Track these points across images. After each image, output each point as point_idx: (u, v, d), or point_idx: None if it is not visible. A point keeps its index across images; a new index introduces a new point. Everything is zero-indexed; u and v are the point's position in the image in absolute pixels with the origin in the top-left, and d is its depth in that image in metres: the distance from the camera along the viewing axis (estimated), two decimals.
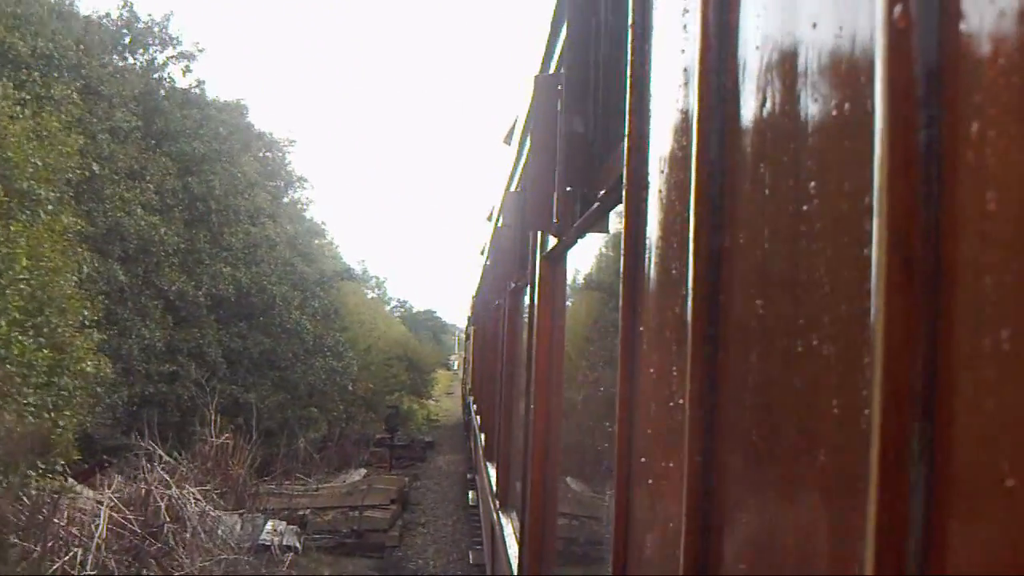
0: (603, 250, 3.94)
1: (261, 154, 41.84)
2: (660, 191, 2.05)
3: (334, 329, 35.34)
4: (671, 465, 1.82)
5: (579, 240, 4.12)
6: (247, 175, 33.64)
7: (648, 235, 2.14)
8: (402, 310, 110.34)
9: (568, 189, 3.46)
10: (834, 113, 1.14)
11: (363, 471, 30.02)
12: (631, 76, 2.34)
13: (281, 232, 35.70)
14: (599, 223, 3.48)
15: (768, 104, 1.40)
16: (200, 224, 29.32)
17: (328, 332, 34.08)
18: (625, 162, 2.33)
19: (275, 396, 30.21)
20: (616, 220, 3.32)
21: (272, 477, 23.97)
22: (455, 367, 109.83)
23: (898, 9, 0.93)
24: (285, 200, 45.49)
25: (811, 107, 1.22)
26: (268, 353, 30.68)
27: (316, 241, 49.87)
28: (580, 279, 4.70)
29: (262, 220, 34.12)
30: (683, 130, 1.86)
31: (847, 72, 1.11)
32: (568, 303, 4.95)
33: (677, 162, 1.90)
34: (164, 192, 27.13)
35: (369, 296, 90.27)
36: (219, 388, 27.07)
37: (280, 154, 45.83)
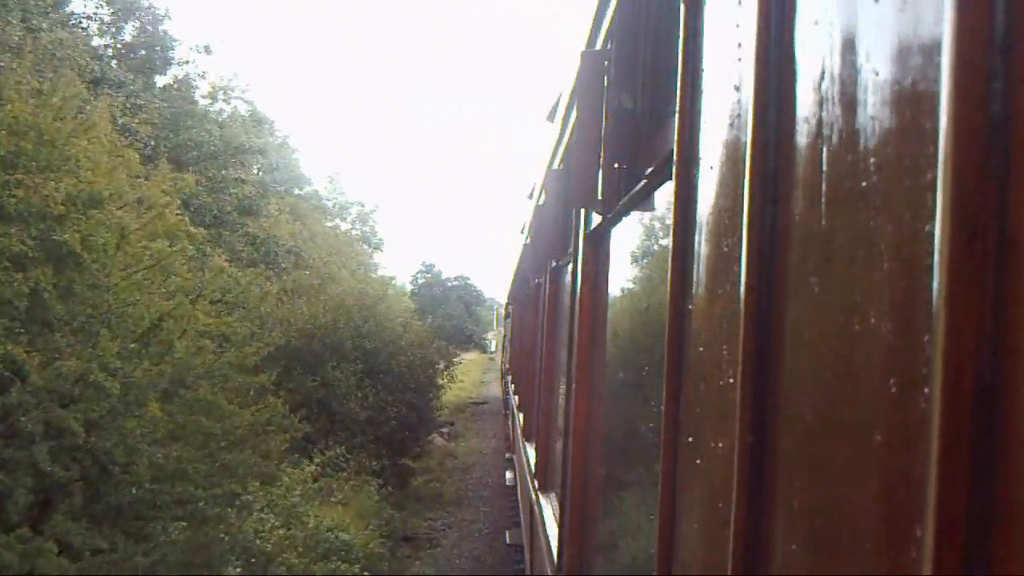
0: (649, 228, 3.92)
1: None
2: (712, 167, 2.03)
3: None
4: (721, 445, 1.80)
5: (624, 218, 4.10)
6: None
7: (699, 211, 2.13)
8: (428, 276, 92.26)
9: (615, 166, 3.45)
10: (896, 87, 1.12)
11: None
12: (683, 50, 2.32)
13: None
14: (645, 201, 3.46)
15: (827, 78, 1.38)
16: None
17: None
18: (676, 138, 2.31)
19: None
20: (661, 199, 3.30)
21: None
22: (492, 348, 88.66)
23: None
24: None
25: (872, 81, 1.20)
26: None
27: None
28: (624, 258, 4.68)
29: None
30: (737, 105, 1.84)
31: (912, 45, 1.09)
32: (611, 282, 4.93)
33: (731, 138, 1.88)
34: None
35: (338, 228, 69.73)
36: None
37: None
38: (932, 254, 0.96)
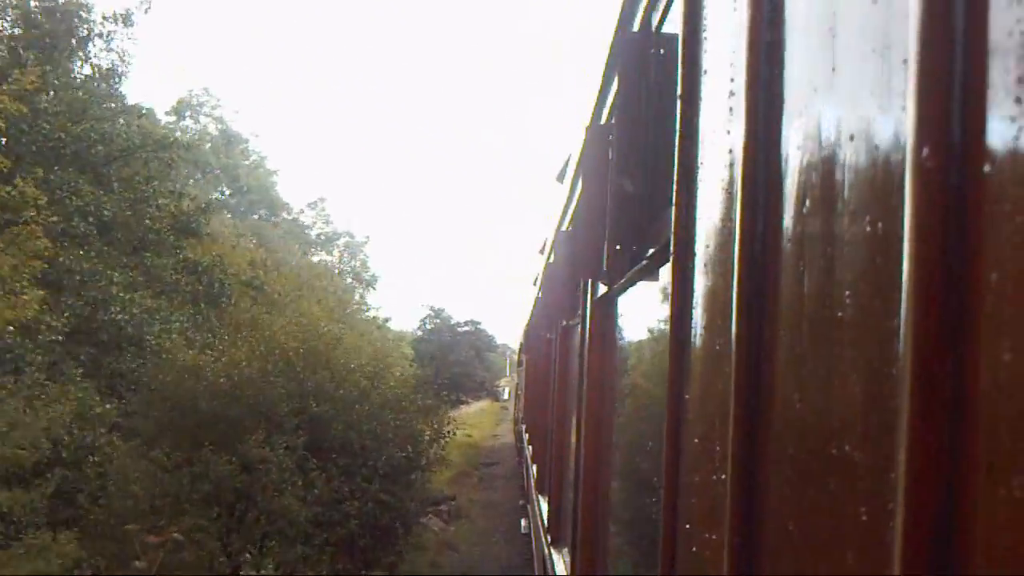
0: (654, 301, 3.98)
1: None
2: (706, 265, 2.10)
3: None
4: (714, 537, 1.85)
5: (629, 289, 4.16)
6: None
7: (695, 306, 2.19)
8: (436, 321, 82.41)
9: (616, 247, 3.52)
10: (868, 229, 1.19)
11: None
12: (679, 148, 2.39)
13: None
14: (649, 276, 3.52)
15: (808, 203, 1.44)
16: None
17: None
18: (672, 231, 2.38)
19: None
20: (664, 275, 3.37)
21: None
22: (505, 395, 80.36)
23: (926, 150, 0.98)
24: None
25: (846, 218, 1.27)
26: None
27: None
28: (630, 326, 4.73)
29: None
30: (728, 210, 1.91)
31: (880, 191, 1.16)
32: (618, 349, 4.98)
33: (723, 241, 1.95)
34: None
35: (325, 262, 62.00)
36: None
37: None
38: (896, 396, 1.03)
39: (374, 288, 74.22)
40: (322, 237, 72.33)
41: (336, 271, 67.89)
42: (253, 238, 40.19)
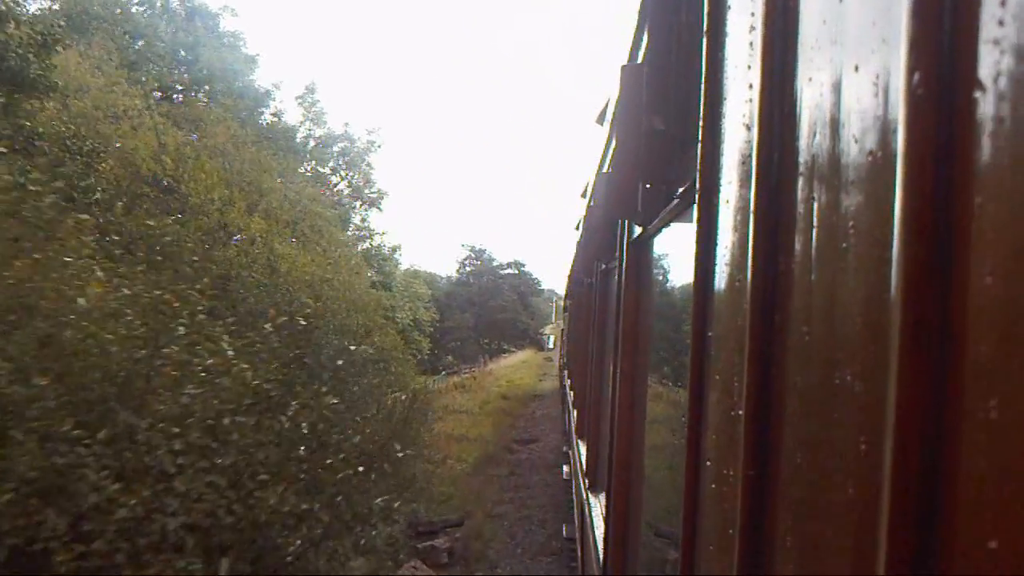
0: (688, 242, 3.98)
1: None
2: (728, 202, 2.10)
3: None
4: (731, 473, 1.87)
5: (664, 229, 4.15)
6: None
7: (718, 243, 2.19)
8: (476, 263, 72.21)
9: (646, 185, 3.51)
10: (868, 159, 1.19)
11: None
12: (705, 83, 2.37)
13: None
14: (681, 216, 3.51)
15: (818, 137, 1.44)
16: None
17: None
18: (698, 168, 2.37)
19: None
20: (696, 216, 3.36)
21: None
22: (550, 344, 72.24)
23: (917, 76, 0.98)
24: None
25: (850, 149, 1.27)
26: None
27: None
28: (665, 269, 4.73)
29: None
30: (747, 145, 1.90)
31: (882, 122, 1.16)
32: (653, 292, 4.98)
33: (742, 176, 1.94)
34: None
35: (325, 177, 48.22)
36: None
37: None
38: (889, 337, 1.03)
39: (379, 208, 57.15)
40: (311, 140, 53.59)
41: (309, 172, 49.72)
42: (171, 121, 27.02)
